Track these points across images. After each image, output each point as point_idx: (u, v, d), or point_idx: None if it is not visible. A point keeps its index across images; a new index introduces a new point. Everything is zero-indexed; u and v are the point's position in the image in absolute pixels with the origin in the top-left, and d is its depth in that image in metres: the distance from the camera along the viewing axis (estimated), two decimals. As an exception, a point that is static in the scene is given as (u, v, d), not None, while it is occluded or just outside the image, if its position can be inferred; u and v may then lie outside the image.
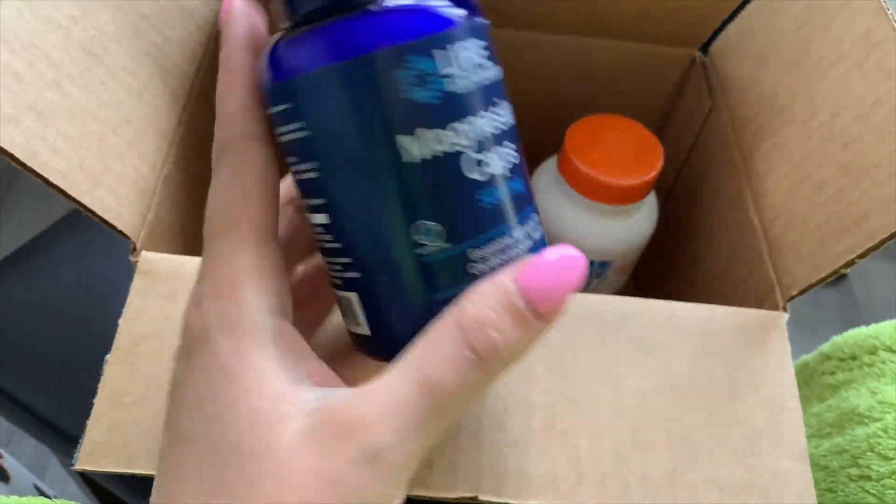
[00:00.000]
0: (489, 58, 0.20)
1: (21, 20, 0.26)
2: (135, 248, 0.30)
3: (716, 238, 0.39)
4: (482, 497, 0.25)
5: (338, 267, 0.21)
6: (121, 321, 0.28)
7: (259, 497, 0.17)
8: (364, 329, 0.21)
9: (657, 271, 0.49)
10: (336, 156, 0.19)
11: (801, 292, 0.30)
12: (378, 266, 0.20)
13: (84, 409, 0.27)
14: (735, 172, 0.37)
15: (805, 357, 0.41)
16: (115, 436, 0.26)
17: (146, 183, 0.31)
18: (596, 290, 0.45)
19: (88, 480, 0.56)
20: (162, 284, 0.29)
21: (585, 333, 0.29)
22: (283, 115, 0.19)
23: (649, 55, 0.43)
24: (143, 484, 0.44)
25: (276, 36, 0.20)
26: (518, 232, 0.20)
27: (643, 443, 0.27)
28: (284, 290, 0.20)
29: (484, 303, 0.18)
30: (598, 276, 0.43)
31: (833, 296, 1.12)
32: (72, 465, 0.26)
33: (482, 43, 0.19)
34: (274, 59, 0.19)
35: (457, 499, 0.26)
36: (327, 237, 0.20)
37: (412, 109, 0.18)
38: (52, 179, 0.26)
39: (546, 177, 0.42)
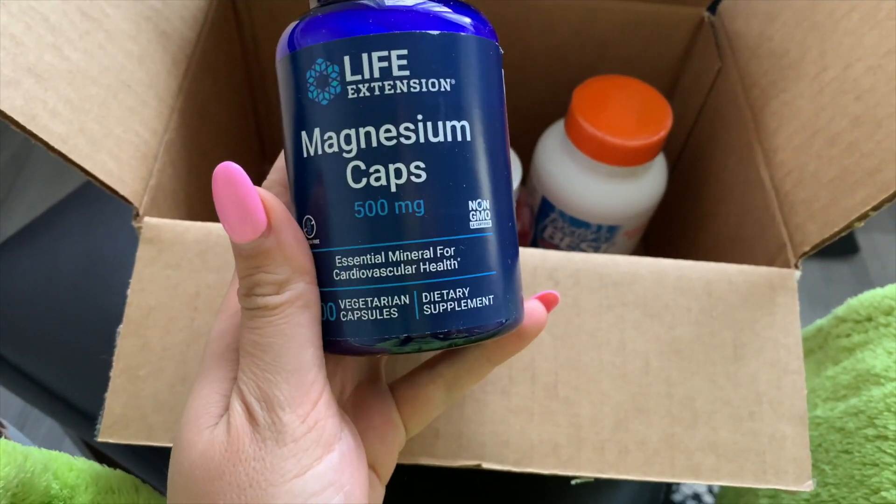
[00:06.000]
0: (427, 71, 0.18)
1: (16, -21, 0.26)
2: (137, 214, 0.29)
3: (726, 198, 0.39)
4: (485, 465, 0.26)
5: None
6: (129, 292, 0.29)
7: None
8: None
9: (667, 235, 0.48)
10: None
11: (814, 248, 0.30)
12: None
13: (92, 381, 0.27)
14: (745, 131, 0.37)
15: (819, 321, 0.41)
16: (132, 409, 0.27)
17: (147, 148, 0.31)
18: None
19: (99, 456, 0.56)
20: (167, 252, 0.29)
21: (592, 296, 0.29)
22: None
23: (657, 16, 0.42)
24: (156, 459, 0.44)
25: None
26: (398, 255, 0.18)
27: (644, 409, 0.27)
28: None
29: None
30: (607, 241, 0.42)
31: (846, 270, 1.10)
32: (94, 436, 0.27)
33: (402, 52, 0.18)
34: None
35: (461, 466, 0.26)
36: None
37: (311, 108, 0.19)
38: (51, 143, 0.26)
39: (553, 140, 0.42)
